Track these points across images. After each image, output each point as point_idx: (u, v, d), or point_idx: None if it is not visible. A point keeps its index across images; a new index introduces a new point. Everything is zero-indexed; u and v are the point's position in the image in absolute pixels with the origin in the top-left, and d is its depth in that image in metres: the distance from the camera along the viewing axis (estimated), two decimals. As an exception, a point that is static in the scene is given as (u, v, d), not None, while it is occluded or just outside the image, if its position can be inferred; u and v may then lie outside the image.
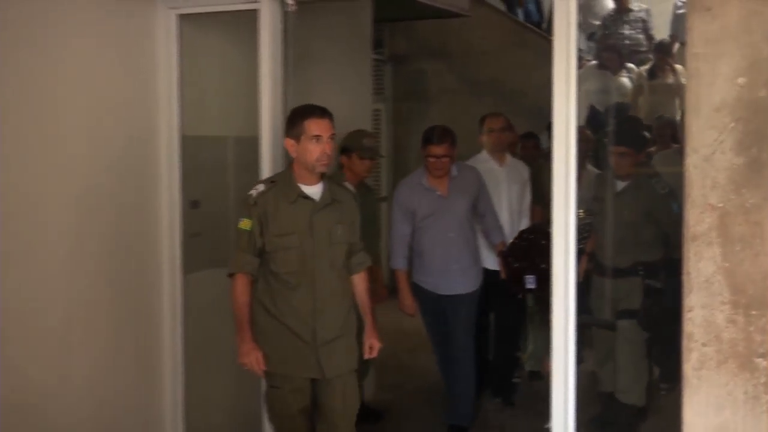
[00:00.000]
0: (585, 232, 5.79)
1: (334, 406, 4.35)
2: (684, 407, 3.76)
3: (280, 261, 4.21)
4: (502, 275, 6.02)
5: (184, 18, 5.20)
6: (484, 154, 6.48)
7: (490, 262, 6.18)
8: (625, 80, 8.78)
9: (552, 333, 4.67)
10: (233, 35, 5.45)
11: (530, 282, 5.87)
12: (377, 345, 4.52)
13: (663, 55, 8.57)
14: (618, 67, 8.85)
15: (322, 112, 4.20)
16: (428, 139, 5.68)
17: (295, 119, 4.19)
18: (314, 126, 4.11)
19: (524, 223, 6.50)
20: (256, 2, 4.96)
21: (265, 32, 4.97)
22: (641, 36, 9.11)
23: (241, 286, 4.17)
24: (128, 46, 5.03)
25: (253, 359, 4.13)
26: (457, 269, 5.83)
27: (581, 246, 5.44)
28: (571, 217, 4.63)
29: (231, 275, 4.22)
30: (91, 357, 4.74)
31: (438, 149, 5.60)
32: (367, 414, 6.18)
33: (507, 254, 6.00)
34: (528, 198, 6.65)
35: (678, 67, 8.44)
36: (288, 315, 4.22)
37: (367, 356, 4.55)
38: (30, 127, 4.39)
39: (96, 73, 4.77)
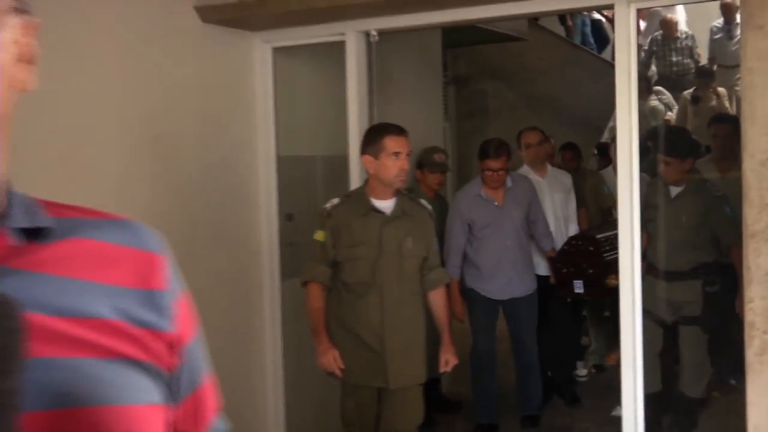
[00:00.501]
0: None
1: (394, 418, 4.23)
2: (748, 389, 3.75)
3: (350, 271, 4.11)
4: (552, 280, 5.96)
5: (277, 50, 5.31)
6: (525, 168, 6.36)
7: (542, 268, 6.06)
8: (655, 103, 8.61)
9: (621, 326, 4.64)
10: (321, 64, 5.54)
11: (578, 287, 5.79)
12: (453, 361, 4.38)
13: (706, 81, 8.36)
14: (645, 93, 8.71)
15: (399, 130, 4.12)
16: (485, 153, 5.56)
17: (373, 137, 4.10)
18: (393, 143, 4.02)
19: (572, 229, 6.41)
20: (342, 34, 5.06)
21: (351, 61, 5.06)
22: (689, 61, 8.96)
23: (315, 293, 4.10)
24: (230, 77, 5.15)
25: (330, 358, 4.02)
26: (515, 275, 5.68)
27: None
28: (636, 221, 4.62)
29: (305, 284, 4.16)
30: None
31: (495, 163, 5.48)
32: (446, 405, 6.24)
33: (556, 260, 5.92)
34: (573, 205, 6.52)
35: (720, 90, 8.25)
36: (358, 324, 4.11)
37: (442, 370, 4.44)
38: (150, 152, 4.56)
39: (204, 101, 4.90)
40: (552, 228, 6.19)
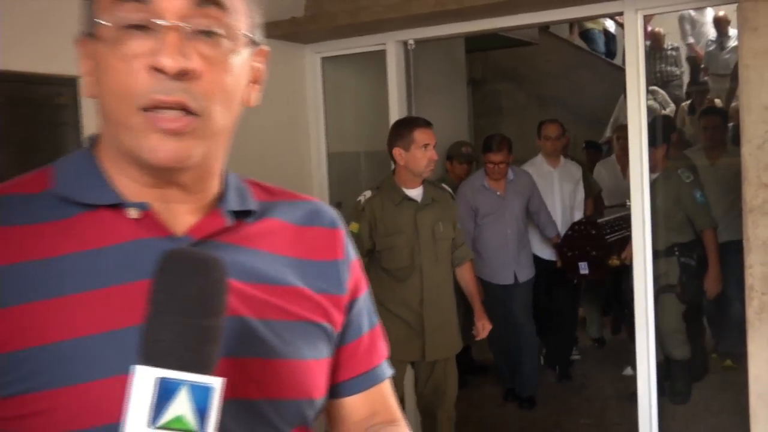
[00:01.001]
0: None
1: (440, 385, 4.17)
2: (748, 343, 3.87)
3: (390, 258, 4.01)
4: (559, 264, 5.92)
5: (326, 60, 5.43)
6: (540, 158, 6.28)
7: (547, 253, 6.05)
8: (650, 102, 8.59)
9: (635, 300, 4.69)
10: (365, 70, 5.61)
11: (583, 268, 5.77)
12: (488, 326, 4.38)
13: (702, 93, 8.36)
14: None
15: (426, 123, 4.05)
16: (488, 147, 5.51)
17: (403, 130, 4.00)
18: (423, 135, 3.94)
19: (577, 216, 6.30)
20: (383, 44, 5.19)
21: (391, 67, 5.19)
22: (674, 68, 9.09)
23: None
24: (286, 83, 5.26)
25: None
26: (513, 262, 5.62)
27: (628, 233, 5.36)
28: (647, 207, 4.67)
29: None
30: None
31: (496, 156, 5.43)
32: (477, 369, 6.42)
33: (561, 245, 5.88)
34: (581, 194, 6.40)
35: (717, 101, 8.22)
36: (398, 305, 4.00)
37: (480, 337, 4.45)
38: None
39: (264, 104, 4.90)
40: (559, 215, 6.14)
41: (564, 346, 6.47)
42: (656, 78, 9.15)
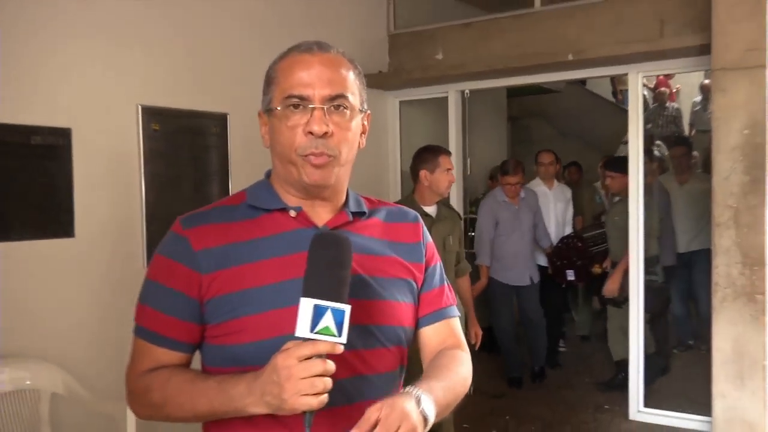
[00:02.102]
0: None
1: None
2: (713, 324, 4.06)
3: None
4: (550, 271, 5.75)
5: (402, 103, 5.71)
6: (537, 180, 6.04)
7: (542, 259, 5.82)
8: (655, 151, 7.92)
9: (630, 295, 4.80)
10: (431, 111, 5.81)
11: (570, 275, 5.66)
12: (480, 332, 4.00)
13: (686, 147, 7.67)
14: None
15: (448, 151, 3.84)
16: (505, 171, 5.31)
17: (430, 155, 3.70)
18: (446, 161, 3.68)
19: (567, 230, 6.08)
20: (446, 93, 5.49)
21: (452, 110, 5.48)
22: (672, 126, 8.57)
23: None
24: (373, 120, 5.35)
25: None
26: (525, 266, 5.43)
27: (607, 246, 5.52)
28: (641, 221, 4.77)
29: None
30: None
31: (513, 178, 5.25)
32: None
33: (552, 255, 5.73)
34: (570, 212, 6.18)
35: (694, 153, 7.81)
36: None
37: (475, 342, 3.95)
38: None
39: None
40: (553, 229, 5.96)
41: (552, 338, 6.02)
42: (660, 132, 8.92)
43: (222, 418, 1.20)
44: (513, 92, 7.66)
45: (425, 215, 3.59)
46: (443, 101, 5.51)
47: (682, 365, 5.69)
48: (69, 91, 3.49)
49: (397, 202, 3.26)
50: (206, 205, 1.35)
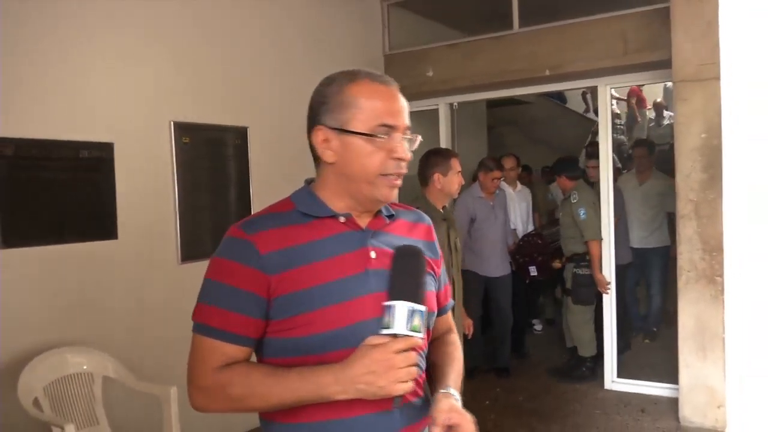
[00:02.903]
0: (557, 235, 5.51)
1: None
2: (679, 303, 4.14)
3: None
4: (513, 267, 5.35)
5: None
6: (503, 183, 5.52)
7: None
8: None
9: (611, 288, 4.78)
10: (424, 121, 5.67)
11: (532, 270, 5.39)
12: (471, 323, 3.79)
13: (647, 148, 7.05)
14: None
15: (456, 153, 3.54)
16: (489, 167, 4.94)
17: (442, 158, 3.39)
18: (457, 163, 3.40)
19: (529, 228, 5.90)
20: (436, 105, 5.52)
21: (442, 120, 5.51)
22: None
23: None
24: None
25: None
26: (499, 259, 5.10)
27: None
28: (611, 219, 4.78)
29: None
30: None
31: (499, 173, 4.96)
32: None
33: (515, 253, 5.39)
34: (530, 211, 6.01)
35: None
36: None
37: (469, 332, 3.76)
38: None
39: None
40: (520, 227, 5.80)
41: (519, 330, 5.76)
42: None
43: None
44: (490, 104, 7.65)
45: (443, 218, 3.32)
46: (434, 113, 5.55)
47: (650, 343, 5.72)
48: (111, 109, 3.51)
49: (414, 206, 2.76)
50: (256, 214, 1.31)
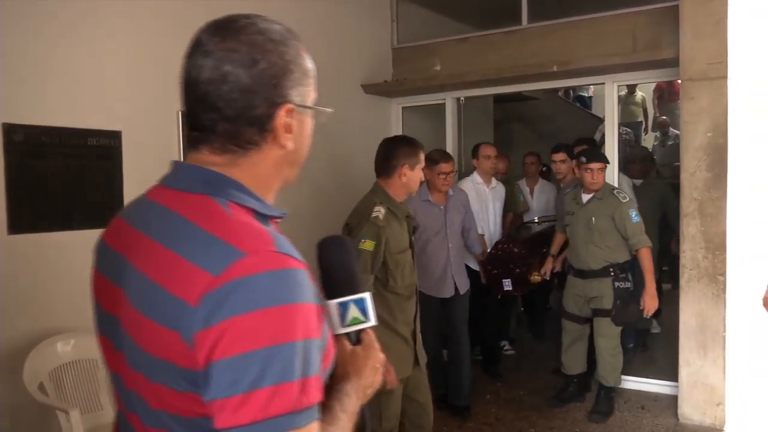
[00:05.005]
0: (546, 238, 4.79)
1: (425, 392, 3.02)
2: (681, 302, 4.12)
3: (400, 276, 2.82)
4: (483, 280, 4.54)
5: (405, 109, 5.70)
6: (474, 176, 4.89)
7: (473, 263, 4.63)
8: None
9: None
10: (431, 116, 5.75)
11: (507, 284, 4.51)
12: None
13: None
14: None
15: (422, 145, 2.96)
16: (435, 159, 3.98)
17: (411, 149, 2.86)
18: (423, 157, 2.93)
19: (497, 233, 5.00)
20: (443, 99, 5.47)
21: (449, 115, 5.47)
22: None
23: None
24: (378, 124, 5.46)
25: (393, 375, 2.69)
26: (455, 274, 4.13)
27: (544, 249, 4.66)
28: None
29: None
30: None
31: (446, 166, 4.02)
32: None
33: (486, 263, 4.55)
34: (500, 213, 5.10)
35: None
36: (402, 323, 2.85)
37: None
38: (325, 172, 4.88)
39: (363, 137, 5.14)
40: (492, 231, 4.95)
41: (491, 349, 5.12)
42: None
43: None
44: (498, 99, 7.63)
45: (407, 215, 2.89)
46: (441, 107, 5.51)
47: (652, 342, 5.67)
48: (120, 98, 3.52)
49: (379, 201, 2.79)
50: (269, 235, 0.88)
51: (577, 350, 4.44)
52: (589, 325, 4.36)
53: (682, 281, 4.12)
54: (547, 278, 4.64)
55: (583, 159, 4.18)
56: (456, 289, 4.17)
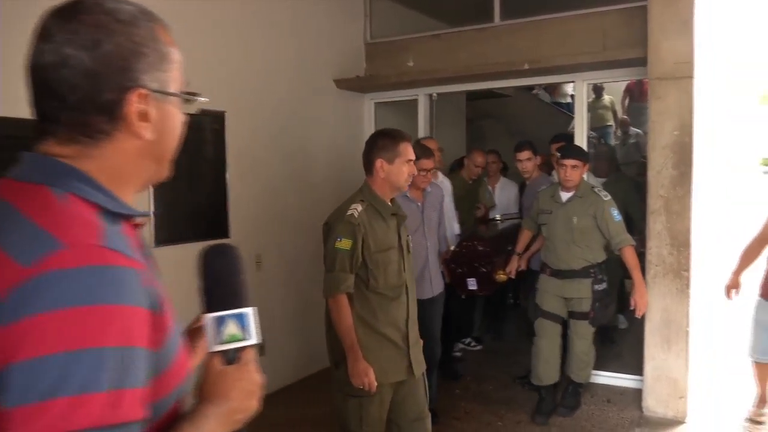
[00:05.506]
0: (510, 236, 4.65)
1: (420, 401, 2.86)
2: (649, 297, 4.07)
3: (383, 276, 2.69)
4: (447, 280, 4.27)
5: (378, 104, 5.71)
6: (440, 175, 4.70)
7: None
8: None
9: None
10: (403, 111, 5.74)
11: (471, 284, 4.36)
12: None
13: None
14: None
15: (410, 139, 2.81)
16: (416, 156, 3.37)
17: (388, 142, 2.71)
18: (408, 150, 2.72)
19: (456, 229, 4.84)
20: (416, 95, 5.49)
21: (421, 111, 5.49)
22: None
23: (345, 307, 2.62)
24: (350, 118, 5.48)
25: (372, 378, 2.60)
26: (431, 275, 3.93)
27: (509, 248, 4.52)
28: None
29: (331, 296, 2.64)
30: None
31: (428, 163, 3.86)
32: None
33: (450, 261, 4.35)
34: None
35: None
36: (387, 326, 2.72)
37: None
38: (298, 166, 4.86)
39: (336, 132, 5.30)
40: (455, 230, 4.81)
41: (447, 350, 4.85)
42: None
43: None
44: (470, 96, 7.67)
45: (393, 213, 2.76)
46: (414, 103, 5.52)
47: (619, 337, 5.72)
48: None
49: (359, 198, 2.68)
50: (99, 229, 0.81)
51: (553, 358, 4.21)
52: (563, 326, 4.23)
53: (648, 277, 4.17)
54: (513, 277, 4.42)
55: (558, 155, 4.18)
56: (432, 290, 3.95)
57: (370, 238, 2.66)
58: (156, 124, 0.89)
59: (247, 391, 0.94)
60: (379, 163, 2.70)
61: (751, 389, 4.14)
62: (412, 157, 2.74)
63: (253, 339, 0.97)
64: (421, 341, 2.89)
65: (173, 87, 0.91)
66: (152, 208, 3.77)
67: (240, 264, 0.99)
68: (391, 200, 2.78)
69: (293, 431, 4.05)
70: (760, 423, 4.02)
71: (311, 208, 4.86)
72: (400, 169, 2.70)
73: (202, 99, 0.96)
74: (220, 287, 0.97)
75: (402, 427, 2.84)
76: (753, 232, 3.97)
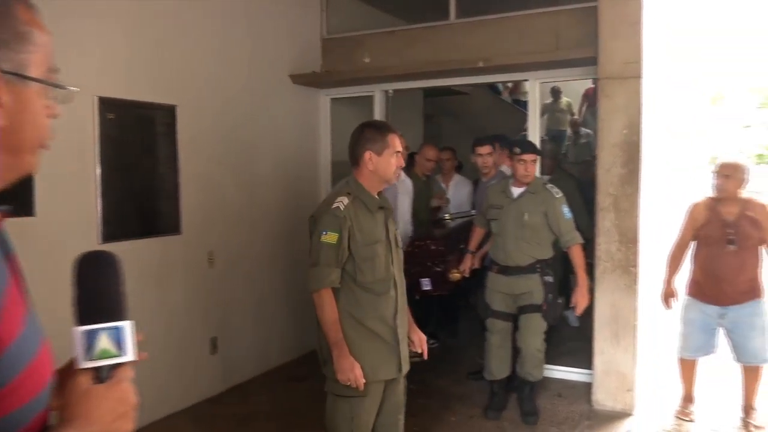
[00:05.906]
0: (463, 234, 4.55)
1: (399, 401, 2.82)
2: (596, 293, 4.23)
3: (371, 270, 2.62)
4: None
5: (333, 100, 5.68)
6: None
7: None
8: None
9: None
10: (359, 107, 5.68)
11: (425, 284, 4.32)
12: (423, 337, 2.91)
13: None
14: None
15: (397, 130, 2.76)
16: None
17: (376, 134, 2.66)
18: (397, 141, 2.68)
19: (410, 228, 4.85)
20: (372, 92, 5.47)
21: (377, 107, 5.47)
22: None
23: (331, 301, 2.58)
24: (306, 114, 5.47)
25: (358, 374, 2.54)
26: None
27: (462, 246, 4.45)
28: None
29: (316, 291, 2.58)
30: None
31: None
32: None
33: (404, 262, 3.96)
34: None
35: None
36: (375, 321, 2.64)
37: (424, 350, 2.89)
38: (251, 162, 4.82)
39: (292, 127, 5.27)
40: (403, 228, 4.70)
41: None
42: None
43: None
44: (428, 93, 7.68)
45: (380, 206, 2.69)
46: (369, 99, 5.51)
47: (570, 332, 5.81)
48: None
49: (345, 191, 2.61)
50: None
51: (505, 353, 4.21)
52: (513, 323, 4.19)
53: (597, 273, 4.25)
54: (467, 275, 4.35)
55: (517, 150, 4.02)
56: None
57: (357, 232, 2.60)
58: (9, 109, 0.80)
59: (117, 412, 0.87)
60: (368, 154, 2.64)
61: (678, 387, 4.24)
62: (400, 148, 2.70)
63: (129, 356, 0.90)
64: (424, 337, 2.87)
65: (34, 71, 0.83)
66: (99, 204, 3.69)
67: (120, 274, 0.92)
68: (378, 193, 2.72)
69: (248, 427, 4.02)
70: (690, 420, 4.10)
71: (263, 204, 4.85)
72: (388, 160, 2.65)
73: (71, 88, 0.88)
74: (94, 298, 0.90)
75: (377, 425, 2.76)
76: (672, 237, 4.06)
